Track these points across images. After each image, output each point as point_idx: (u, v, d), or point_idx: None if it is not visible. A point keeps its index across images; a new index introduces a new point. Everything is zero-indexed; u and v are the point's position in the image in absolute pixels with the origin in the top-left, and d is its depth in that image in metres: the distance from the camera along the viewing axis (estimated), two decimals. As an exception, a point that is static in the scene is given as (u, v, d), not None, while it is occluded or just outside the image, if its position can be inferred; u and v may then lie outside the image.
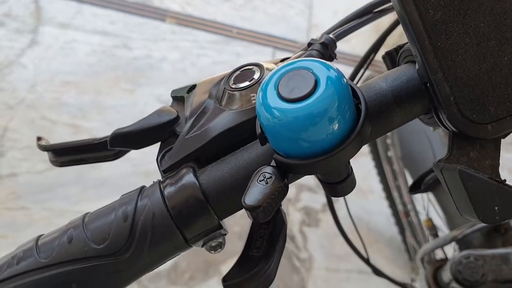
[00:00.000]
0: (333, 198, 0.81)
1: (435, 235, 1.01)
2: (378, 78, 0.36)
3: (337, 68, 0.32)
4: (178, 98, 0.45)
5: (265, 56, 2.03)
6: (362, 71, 0.65)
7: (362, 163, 1.72)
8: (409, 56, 0.37)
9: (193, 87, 0.44)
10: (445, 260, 0.85)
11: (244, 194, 0.32)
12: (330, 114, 0.30)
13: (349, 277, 1.59)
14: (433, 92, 0.32)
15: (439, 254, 0.95)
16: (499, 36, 0.30)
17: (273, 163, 0.33)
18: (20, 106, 1.70)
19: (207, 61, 1.96)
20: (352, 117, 0.32)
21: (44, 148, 0.44)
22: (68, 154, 0.44)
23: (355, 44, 2.08)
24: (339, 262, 1.61)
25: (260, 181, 0.32)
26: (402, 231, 1.47)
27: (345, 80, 0.32)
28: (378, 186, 1.54)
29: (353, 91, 0.33)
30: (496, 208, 0.31)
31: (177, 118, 0.42)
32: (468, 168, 0.31)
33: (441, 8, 0.30)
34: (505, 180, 0.32)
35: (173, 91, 0.46)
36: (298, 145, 0.31)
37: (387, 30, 0.61)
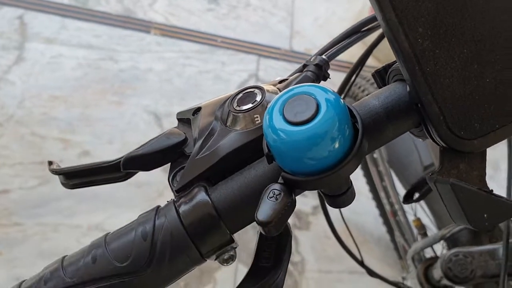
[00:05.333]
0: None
1: (424, 234, 1.05)
2: (370, 97, 0.39)
3: (334, 91, 0.35)
4: (184, 120, 0.47)
5: (250, 64, 2.06)
6: (349, 84, 0.68)
7: (349, 166, 1.75)
8: (398, 75, 0.40)
9: (198, 109, 0.46)
10: (435, 258, 0.89)
11: (256, 211, 0.34)
12: (332, 134, 0.33)
13: (341, 277, 1.63)
14: (423, 112, 0.35)
15: (428, 253, 0.99)
16: (480, 60, 0.34)
17: (280, 180, 0.36)
18: (10, 122, 1.70)
19: (193, 71, 1.98)
20: (350, 135, 0.35)
21: (55, 172, 0.45)
22: (79, 177, 0.45)
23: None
24: (331, 263, 1.64)
25: (270, 197, 0.34)
26: (390, 231, 1.50)
27: (342, 102, 0.35)
28: (365, 187, 1.58)
29: (350, 111, 0.36)
30: (485, 215, 0.34)
31: (185, 140, 0.44)
32: (460, 181, 0.35)
33: (428, 37, 0.33)
34: (492, 190, 0.35)
35: (178, 113, 0.48)
36: (303, 163, 0.34)
37: (372, 45, 0.64)
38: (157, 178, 1.60)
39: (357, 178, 1.59)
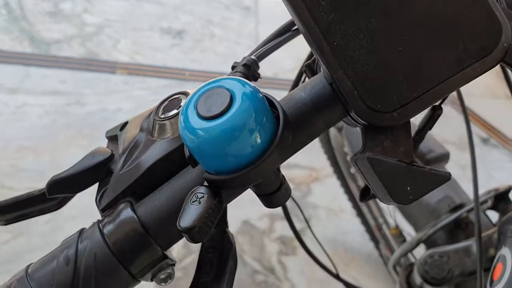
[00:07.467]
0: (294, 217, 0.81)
1: (403, 241, 1.01)
2: (298, 89, 0.37)
3: (252, 83, 0.33)
4: (113, 137, 0.45)
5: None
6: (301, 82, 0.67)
7: (329, 185, 1.73)
8: None
9: (125, 124, 0.44)
10: (414, 263, 0.85)
11: (179, 217, 0.32)
12: (249, 126, 0.31)
13: (332, 299, 1.58)
14: (338, 91, 0.33)
15: (411, 259, 0.95)
16: (389, 29, 0.32)
17: (205, 182, 0.34)
18: (-23, 178, 1.66)
19: (163, 106, 1.97)
20: (272, 128, 0.33)
21: None
22: (11, 211, 0.43)
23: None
24: (321, 286, 1.59)
25: (193, 202, 0.32)
26: (377, 245, 1.47)
27: (260, 94, 0.33)
28: (348, 205, 1.55)
29: (272, 103, 0.34)
30: (408, 188, 0.32)
31: (111, 157, 0.42)
32: (376, 154, 0.32)
33: (333, 10, 0.32)
34: (413, 161, 0.33)
35: (107, 132, 0.47)
36: (225, 161, 0.32)
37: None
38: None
39: (339, 196, 1.56)
